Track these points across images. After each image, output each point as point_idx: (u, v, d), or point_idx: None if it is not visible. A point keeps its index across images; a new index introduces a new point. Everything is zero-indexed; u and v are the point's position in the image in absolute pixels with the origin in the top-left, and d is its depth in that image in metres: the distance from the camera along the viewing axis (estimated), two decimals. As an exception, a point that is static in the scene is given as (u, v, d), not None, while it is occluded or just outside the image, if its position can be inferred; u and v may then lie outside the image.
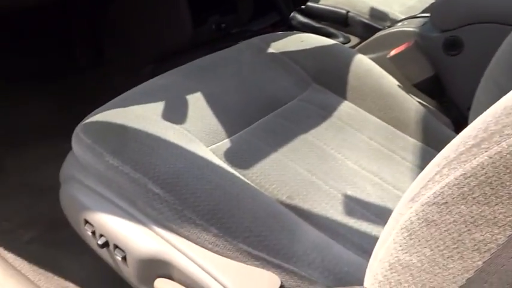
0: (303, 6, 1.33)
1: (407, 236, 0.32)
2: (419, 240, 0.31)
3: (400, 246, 0.32)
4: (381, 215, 0.68)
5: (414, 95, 0.95)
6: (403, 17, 1.17)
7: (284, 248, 0.58)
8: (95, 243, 0.67)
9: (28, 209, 1.09)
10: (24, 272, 0.83)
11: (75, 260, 0.94)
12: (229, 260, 0.58)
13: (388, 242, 0.34)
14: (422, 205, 0.30)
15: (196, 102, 0.80)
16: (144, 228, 0.62)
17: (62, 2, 1.55)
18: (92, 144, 0.67)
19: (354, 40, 1.25)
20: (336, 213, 0.66)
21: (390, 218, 0.36)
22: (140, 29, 1.49)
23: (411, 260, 0.31)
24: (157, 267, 0.61)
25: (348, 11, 1.23)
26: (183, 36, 1.39)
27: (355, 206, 0.68)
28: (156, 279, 0.62)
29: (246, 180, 0.67)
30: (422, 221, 0.30)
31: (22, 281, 0.75)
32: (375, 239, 0.64)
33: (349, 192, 0.70)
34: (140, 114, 0.72)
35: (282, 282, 0.56)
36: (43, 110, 1.46)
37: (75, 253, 0.96)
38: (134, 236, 0.61)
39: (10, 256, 0.88)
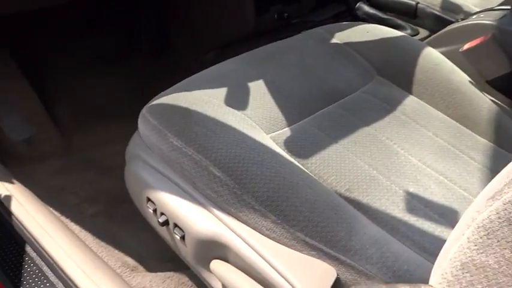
0: (369, -4, 1.30)
1: (484, 235, 0.30)
2: (498, 241, 0.29)
3: (476, 245, 0.31)
4: (444, 214, 0.65)
5: (487, 93, 0.90)
6: (478, 9, 1.11)
7: (342, 240, 0.57)
8: (155, 221, 0.70)
9: (92, 184, 1.15)
10: (88, 243, 0.88)
11: (134, 236, 0.98)
12: (286, 247, 0.58)
13: (462, 240, 0.32)
14: (505, 203, 0.29)
15: (258, 89, 0.80)
16: (203, 210, 0.63)
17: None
18: (158, 126, 0.69)
19: (423, 33, 1.20)
20: (396, 209, 0.64)
21: (464, 215, 0.34)
22: (204, 17, 1.52)
23: (487, 260, 0.30)
24: (214, 249, 0.62)
25: (418, 2, 1.18)
26: (246, 25, 1.40)
27: (417, 203, 0.66)
28: (212, 260, 0.64)
29: (304, 169, 0.67)
30: (504, 220, 0.29)
31: (86, 251, 0.80)
32: (437, 239, 0.62)
33: (411, 190, 0.68)
34: (204, 99, 0.74)
35: (337, 275, 0.56)
36: (109, 93, 1.53)
37: (134, 230, 1.00)
38: (193, 217, 0.63)
39: (75, 228, 0.93)
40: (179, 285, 0.82)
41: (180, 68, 1.67)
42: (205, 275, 0.67)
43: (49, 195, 1.02)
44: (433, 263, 0.57)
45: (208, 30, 1.55)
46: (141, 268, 0.86)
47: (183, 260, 0.71)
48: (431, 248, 0.60)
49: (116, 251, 0.89)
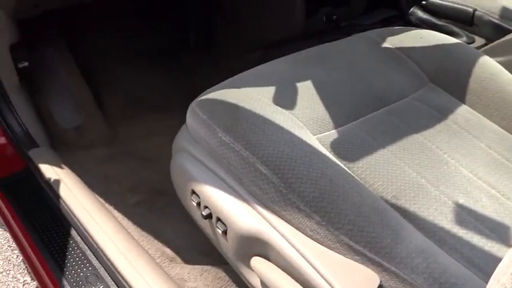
0: (423, 2, 1.26)
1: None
2: None
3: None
4: (496, 230, 0.63)
5: (546, 106, 0.85)
6: (539, 19, 1.06)
7: (387, 247, 0.56)
8: (198, 214, 0.71)
9: (135, 175, 1.18)
10: (130, 231, 0.90)
11: (172, 228, 1.00)
12: (329, 250, 0.58)
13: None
14: None
15: (306, 90, 0.80)
16: (247, 206, 0.63)
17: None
18: (207, 120, 0.70)
19: (479, 41, 1.16)
20: (445, 220, 0.62)
21: None
22: (253, 15, 1.52)
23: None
24: (256, 245, 0.62)
25: (475, 9, 1.14)
26: (295, 25, 1.39)
27: (467, 216, 0.64)
28: (252, 257, 0.64)
29: (351, 173, 0.66)
30: None
31: (129, 239, 0.82)
32: (487, 254, 0.59)
33: (461, 201, 0.66)
34: (253, 96, 0.74)
35: (380, 282, 0.55)
36: (155, 86, 1.56)
37: (173, 222, 1.02)
38: (237, 212, 0.63)
39: (118, 215, 0.96)
40: (216, 279, 0.83)
41: (224, 66, 1.68)
42: (244, 271, 0.67)
43: (94, 183, 1.05)
44: (483, 279, 0.55)
45: (255, 29, 1.55)
46: (179, 260, 0.87)
47: (222, 254, 0.72)
48: (480, 263, 0.58)
49: (156, 241, 0.91)
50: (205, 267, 0.85)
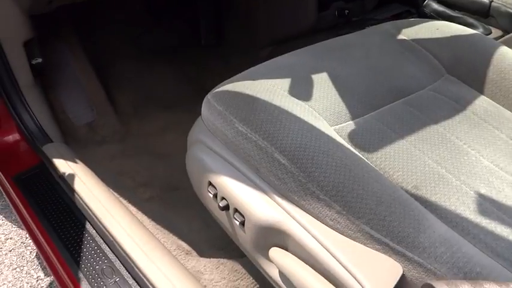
0: (438, -6, 1.25)
1: None
2: None
3: None
4: (519, 220, 0.61)
5: None
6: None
7: (409, 236, 0.55)
8: (214, 206, 0.70)
9: (147, 170, 1.18)
10: (145, 225, 0.90)
11: (186, 223, 0.99)
12: (350, 239, 0.57)
13: None
14: None
15: (322, 82, 0.79)
16: (265, 196, 0.63)
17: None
18: (223, 111, 0.70)
19: (495, 32, 1.14)
20: (467, 210, 0.61)
21: None
22: (264, 11, 1.52)
23: None
24: (274, 236, 0.62)
25: (492, 1, 1.12)
26: (307, 20, 1.39)
27: (489, 206, 0.62)
28: (271, 248, 0.63)
29: (369, 163, 0.65)
30: None
31: (145, 232, 0.82)
32: (511, 244, 0.58)
33: (483, 191, 0.64)
34: (268, 88, 0.74)
35: (403, 271, 0.54)
36: (166, 82, 1.56)
37: (187, 216, 1.02)
38: (255, 203, 0.62)
39: (132, 210, 0.95)
40: (232, 271, 0.82)
41: (234, 63, 1.68)
42: (261, 262, 0.66)
43: (107, 178, 1.05)
44: (508, 269, 0.54)
45: (266, 25, 1.55)
46: (194, 253, 0.87)
47: (239, 246, 0.71)
48: (505, 253, 0.57)
49: (170, 235, 0.90)
50: (221, 260, 0.85)
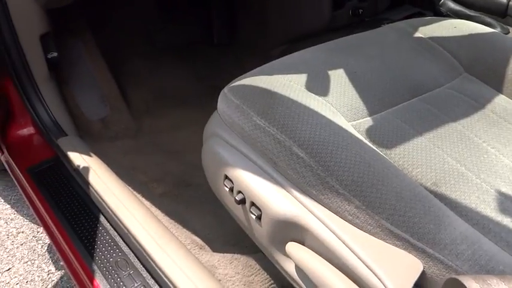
0: (455, -7, 1.24)
1: None
2: None
3: None
4: (541, 219, 0.60)
5: None
6: None
7: (430, 232, 0.54)
8: (231, 199, 0.70)
9: (160, 166, 1.18)
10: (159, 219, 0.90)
11: (199, 218, 0.99)
12: (369, 235, 0.56)
13: None
14: None
15: (339, 78, 0.79)
16: (282, 190, 0.62)
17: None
18: (241, 105, 0.69)
19: (514, 32, 1.13)
20: (488, 208, 0.60)
21: None
22: (278, 10, 1.52)
23: None
24: (292, 230, 0.61)
25: (510, 0, 1.11)
26: (321, 19, 1.38)
27: (510, 204, 0.61)
28: (288, 242, 0.63)
29: (388, 159, 0.65)
30: None
31: (159, 225, 0.82)
32: (534, 243, 0.57)
33: (503, 190, 0.63)
34: (285, 83, 0.73)
35: (424, 268, 0.53)
36: (178, 80, 1.57)
37: (199, 212, 1.01)
38: (272, 196, 0.62)
39: (146, 203, 0.95)
40: (246, 267, 0.82)
41: (247, 61, 1.68)
42: (278, 257, 0.66)
43: (120, 173, 1.05)
44: (530, 267, 0.53)
45: (280, 24, 1.55)
46: (208, 248, 0.87)
47: (254, 241, 0.71)
48: (527, 251, 0.56)
49: (184, 229, 0.90)
50: (235, 255, 0.84)
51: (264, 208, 0.63)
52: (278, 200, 0.61)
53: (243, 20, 1.73)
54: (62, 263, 1.24)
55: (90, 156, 1.01)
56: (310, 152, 0.60)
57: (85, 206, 0.92)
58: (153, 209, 0.94)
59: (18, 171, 1.07)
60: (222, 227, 0.96)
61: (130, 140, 1.29)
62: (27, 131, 1.17)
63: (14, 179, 1.12)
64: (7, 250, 1.32)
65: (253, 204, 0.65)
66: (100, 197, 0.87)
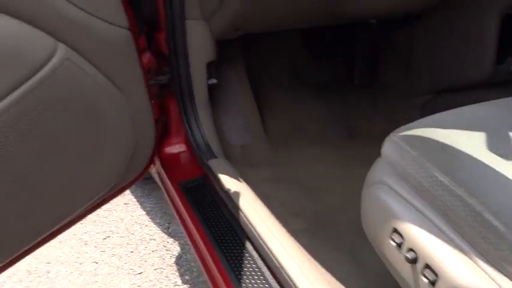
0: None
1: None
2: None
3: None
4: None
5: None
6: None
7: None
8: (397, 255, 0.66)
9: (296, 200, 1.18)
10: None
11: (337, 261, 0.97)
12: None
13: None
14: None
15: None
16: (466, 258, 0.58)
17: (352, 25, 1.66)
18: (419, 157, 0.67)
19: None
20: None
21: None
22: (429, 56, 1.47)
23: None
24: (473, 304, 0.56)
25: None
26: (480, 72, 1.31)
27: None
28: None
29: None
30: None
31: (309, 259, 0.81)
32: None
33: None
34: (466, 141, 0.69)
35: None
36: (314, 116, 1.58)
37: (337, 255, 0.99)
38: (455, 264, 0.58)
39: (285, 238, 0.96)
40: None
41: (385, 107, 1.65)
42: (447, 328, 0.60)
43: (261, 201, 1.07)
44: None
45: (428, 71, 1.49)
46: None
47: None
48: None
49: (323, 269, 0.89)
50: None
51: (442, 274, 0.59)
52: (462, 269, 0.57)
53: (386, 63, 1.71)
54: (204, 279, 1.29)
55: (239, 180, 1.05)
56: (507, 222, 0.55)
57: (231, 229, 0.95)
58: (291, 243, 0.94)
59: (170, 184, 1.15)
60: (364, 277, 0.93)
61: (267, 170, 1.33)
62: (180, 147, 1.26)
63: (163, 190, 1.20)
64: (140, 254, 1.42)
65: (427, 266, 0.61)
66: (250, 223, 0.90)
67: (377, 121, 1.63)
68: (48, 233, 0.79)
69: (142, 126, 0.95)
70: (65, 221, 0.82)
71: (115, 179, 0.84)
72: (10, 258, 0.74)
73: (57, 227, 0.80)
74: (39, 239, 0.77)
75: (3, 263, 0.72)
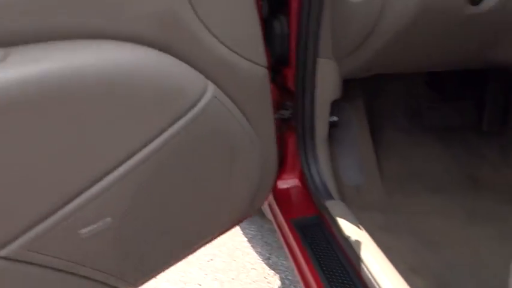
0: None
1: None
2: None
3: None
4: None
5: None
6: None
7: None
8: None
9: (416, 253, 1.10)
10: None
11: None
12: None
13: None
14: None
15: None
16: None
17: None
18: None
19: None
20: None
21: None
22: None
23: None
24: None
25: None
26: None
27: None
28: None
29: None
30: None
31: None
32: None
33: None
34: None
35: None
36: (434, 161, 1.48)
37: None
38: None
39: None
40: None
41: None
42: None
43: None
44: None
45: None
46: None
47: None
48: None
49: None
50: None
51: None
52: None
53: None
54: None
55: (359, 228, 1.00)
56: None
57: (348, 278, 0.90)
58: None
59: (282, 219, 1.14)
60: None
61: (380, 214, 1.26)
62: (294, 182, 1.25)
63: (275, 224, 1.20)
64: (241, 283, 1.42)
65: None
66: (373, 277, 0.85)
67: (505, 173, 1.48)
68: (176, 259, 0.82)
69: (267, 159, 0.96)
70: (191, 250, 0.84)
71: (242, 214, 0.85)
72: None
73: (186, 253, 0.83)
74: (172, 261, 0.80)
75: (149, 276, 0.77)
